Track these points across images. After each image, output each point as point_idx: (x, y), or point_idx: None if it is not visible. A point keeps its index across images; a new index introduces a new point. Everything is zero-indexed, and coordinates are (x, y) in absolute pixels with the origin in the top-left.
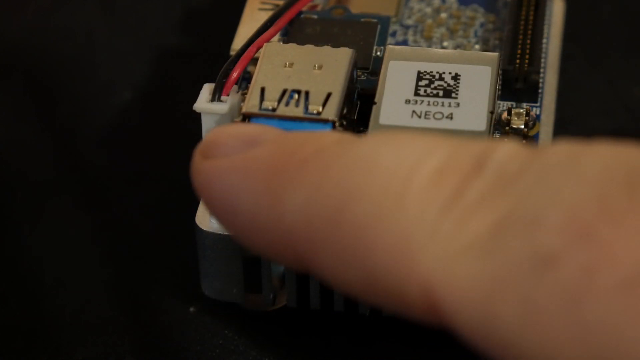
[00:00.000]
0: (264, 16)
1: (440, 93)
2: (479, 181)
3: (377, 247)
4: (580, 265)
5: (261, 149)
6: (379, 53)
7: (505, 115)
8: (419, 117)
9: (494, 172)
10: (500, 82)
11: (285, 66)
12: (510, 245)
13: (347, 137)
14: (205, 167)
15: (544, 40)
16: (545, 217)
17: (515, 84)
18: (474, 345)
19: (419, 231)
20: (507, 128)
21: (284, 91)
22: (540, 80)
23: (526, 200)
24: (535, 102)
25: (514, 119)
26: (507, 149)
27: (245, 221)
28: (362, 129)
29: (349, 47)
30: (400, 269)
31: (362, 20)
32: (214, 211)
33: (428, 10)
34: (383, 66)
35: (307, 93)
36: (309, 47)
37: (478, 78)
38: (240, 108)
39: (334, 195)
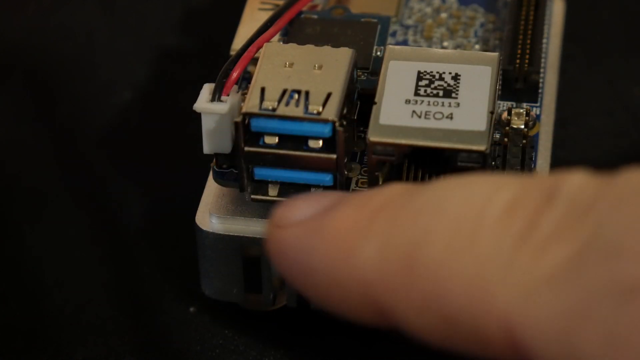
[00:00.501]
0: (264, 16)
1: (441, 93)
2: (552, 213)
3: (453, 287)
4: None
5: (331, 209)
6: (379, 53)
7: (505, 115)
8: (419, 117)
9: (567, 203)
10: (500, 82)
11: (285, 66)
12: (591, 276)
13: (412, 186)
14: (280, 234)
15: (544, 40)
16: (627, 245)
17: (515, 84)
18: None
19: (494, 266)
20: (507, 128)
21: (284, 91)
22: (540, 80)
23: (604, 229)
24: (535, 102)
25: (514, 119)
26: (577, 179)
27: (322, 280)
28: (362, 128)
29: (349, 47)
30: (477, 306)
31: (362, 20)
32: (290, 277)
33: (428, 10)
34: (383, 66)
35: (307, 93)
36: (309, 47)
37: (478, 78)
38: (240, 108)
39: (406, 241)
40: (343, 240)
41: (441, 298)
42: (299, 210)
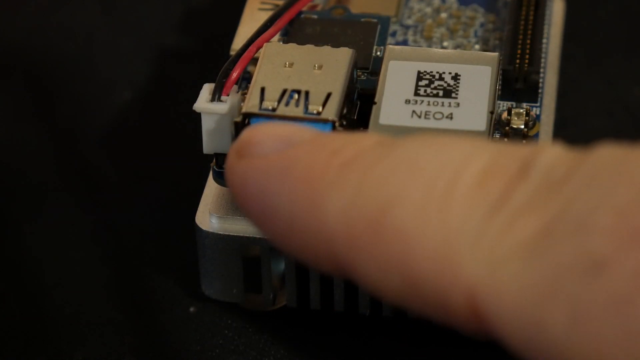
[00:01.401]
0: (264, 16)
1: (440, 93)
2: (526, 185)
3: (420, 252)
4: (631, 269)
5: (299, 149)
6: (379, 53)
7: (505, 115)
8: (419, 117)
9: (541, 176)
10: (500, 82)
11: (285, 66)
12: (559, 249)
13: (387, 139)
14: (242, 166)
15: (544, 40)
16: (595, 220)
17: (515, 84)
18: (519, 352)
19: (463, 236)
20: (507, 128)
21: (284, 91)
22: (540, 80)
23: (574, 203)
24: (535, 102)
25: (514, 119)
26: (552, 152)
27: (283, 224)
28: (362, 128)
29: (349, 47)
30: (443, 275)
31: (362, 20)
32: (248, 212)
33: (428, 10)
34: (383, 66)
35: (307, 93)
36: (309, 47)
37: (478, 78)
38: (240, 108)
39: (376, 199)
40: (309, 188)
41: (406, 261)
42: (265, 142)
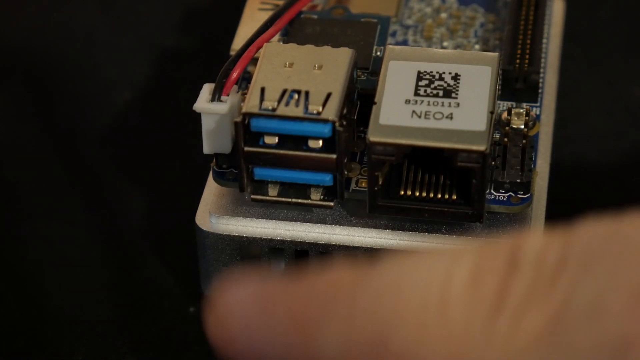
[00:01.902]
0: (264, 16)
1: (440, 93)
2: (519, 278)
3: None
4: None
5: (278, 306)
6: (379, 53)
7: (505, 115)
8: (419, 117)
9: (532, 268)
10: (500, 82)
11: (285, 66)
12: (575, 338)
13: (359, 271)
14: (223, 335)
15: (544, 40)
16: (608, 304)
17: (515, 84)
18: None
19: (470, 340)
20: (507, 128)
21: (284, 91)
22: (540, 80)
23: (579, 290)
24: (535, 102)
25: (514, 119)
26: (536, 242)
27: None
28: (362, 128)
29: (349, 47)
30: None
31: (362, 20)
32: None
33: (428, 10)
34: (383, 66)
35: (307, 93)
36: (309, 47)
37: (478, 78)
38: (240, 108)
39: (371, 326)
40: (297, 328)
41: None
42: (239, 306)
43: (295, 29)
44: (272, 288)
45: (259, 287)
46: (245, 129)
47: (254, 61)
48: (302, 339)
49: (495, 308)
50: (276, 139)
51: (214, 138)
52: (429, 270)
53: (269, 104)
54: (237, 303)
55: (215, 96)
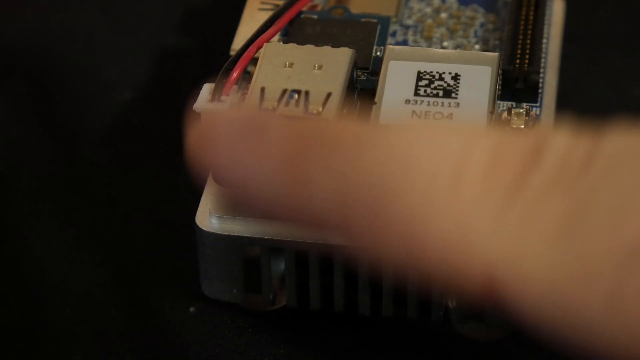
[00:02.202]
0: (264, 16)
1: (440, 93)
2: (541, 170)
3: (429, 238)
4: None
5: (271, 138)
6: (379, 53)
7: (505, 115)
8: (419, 117)
9: (556, 161)
10: (500, 82)
11: (285, 66)
12: (592, 235)
13: (371, 125)
14: (211, 160)
15: (544, 40)
16: (630, 205)
17: (515, 84)
18: (537, 330)
19: (479, 223)
20: (507, 128)
21: (284, 91)
22: (540, 80)
23: (602, 189)
24: (535, 102)
25: (514, 119)
26: (564, 138)
27: (266, 205)
28: None
29: (349, 47)
30: (456, 257)
31: (362, 20)
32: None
33: (428, 10)
34: (383, 66)
35: (307, 93)
36: (309, 47)
37: (478, 78)
38: None
39: (373, 186)
40: (291, 170)
41: (414, 246)
42: (228, 129)
43: (295, 29)
44: (270, 118)
45: (256, 113)
46: None
47: (254, 61)
48: (291, 181)
49: (510, 195)
50: None
51: None
52: (449, 143)
53: (269, 104)
54: (227, 122)
55: (215, 96)
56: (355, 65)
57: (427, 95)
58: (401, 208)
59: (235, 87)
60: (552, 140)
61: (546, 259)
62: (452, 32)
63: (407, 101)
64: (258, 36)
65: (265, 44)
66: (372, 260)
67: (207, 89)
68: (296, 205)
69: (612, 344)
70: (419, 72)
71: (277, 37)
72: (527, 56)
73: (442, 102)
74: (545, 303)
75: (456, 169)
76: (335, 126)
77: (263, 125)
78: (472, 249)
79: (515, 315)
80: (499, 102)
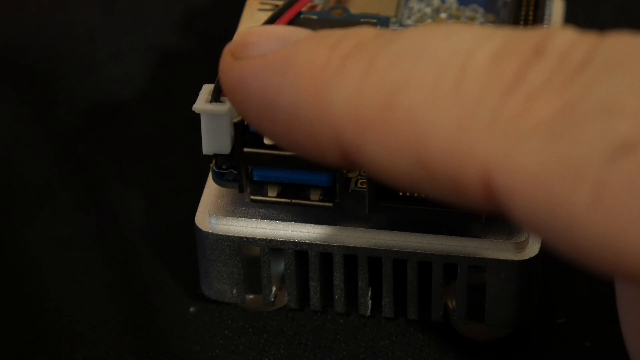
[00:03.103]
0: (264, 16)
1: None
2: (541, 66)
3: (432, 133)
4: None
5: (298, 46)
6: None
7: None
8: None
9: (557, 57)
10: None
11: None
12: (583, 130)
13: (386, 31)
14: (239, 66)
15: None
16: (624, 103)
17: None
18: (530, 227)
19: (479, 114)
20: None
21: None
22: None
23: (598, 86)
24: None
25: None
26: (566, 35)
27: (286, 118)
28: None
29: None
30: (457, 153)
31: (362, 20)
32: (248, 111)
33: (428, 10)
34: None
35: None
36: None
37: None
38: None
39: (384, 85)
40: (313, 79)
41: (417, 142)
42: (260, 42)
43: None
44: (293, 44)
45: (280, 44)
46: (244, 130)
47: None
48: (313, 91)
49: (510, 88)
50: None
51: (213, 138)
52: (454, 42)
53: None
54: (256, 68)
55: (215, 96)
56: None
57: None
58: (408, 106)
59: None
60: (555, 38)
61: (538, 154)
62: None
63: None
64: None
65: None
66: (381, 166)
67: (206, 89)
68: (315, 114)
69: (595, 241)
70: None
71: None
72: None
73: None
74: (535, 199)
75: (461, 67)
76: (352, 36)
77: (288, 40)
78: (470, 146)
79: (509, 213)
80: None
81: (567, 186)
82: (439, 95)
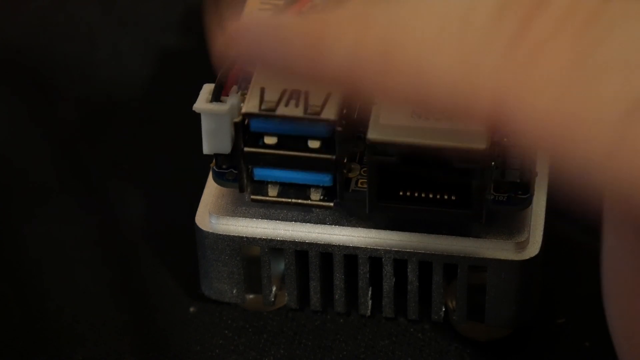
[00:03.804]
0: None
1: None
2: (547, 16)
3: (438, 79)
4: None
5: (291, 17)
6: None
7: None
8: (419, 116)
9: (562, 10)
10: None
11: None
12: (600, 82)
13: None
14: (246, 27)
15: None
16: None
17: None
18: (541, 147)
19: (484, 66)
20: None
21: (284, 91)
22: None
23: (610, 41)
24: None
25: None
26: None
27: (285, 64)
28: (362, 129)
29: None
30: (465, 90)
31: None
32: (256, 59)
33: None
34: None
35: (307, 93)
36: None
37: None
38: (240, 108)
39: (384, 35)
40: (310, 38)
41: (426, 86)
42: (252, 28)
43: None
44: (287, 17)
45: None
46: (245, 130)
47: None
48: (312, 48)
49: (519, 34)
50: (276, 140)
51: (213, 138)
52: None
53: (268, 105)
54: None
55: (215, 96)
56: None
57: None
58: (412, 53)
59: (235, 87)
60: None
61: (553, 92)
62: None
63: None
64: None
65: None
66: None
67: (207, 89)
68: (316, 70)
69: (609, 186)
70: None
71: None
72: None
73: None
74: (549, 133)
75: (466, 13)
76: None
77: (284, 23)
78: (480, 80)
79: (520, 140)
80: None
81: (585, 133)
82: (442, 45)
